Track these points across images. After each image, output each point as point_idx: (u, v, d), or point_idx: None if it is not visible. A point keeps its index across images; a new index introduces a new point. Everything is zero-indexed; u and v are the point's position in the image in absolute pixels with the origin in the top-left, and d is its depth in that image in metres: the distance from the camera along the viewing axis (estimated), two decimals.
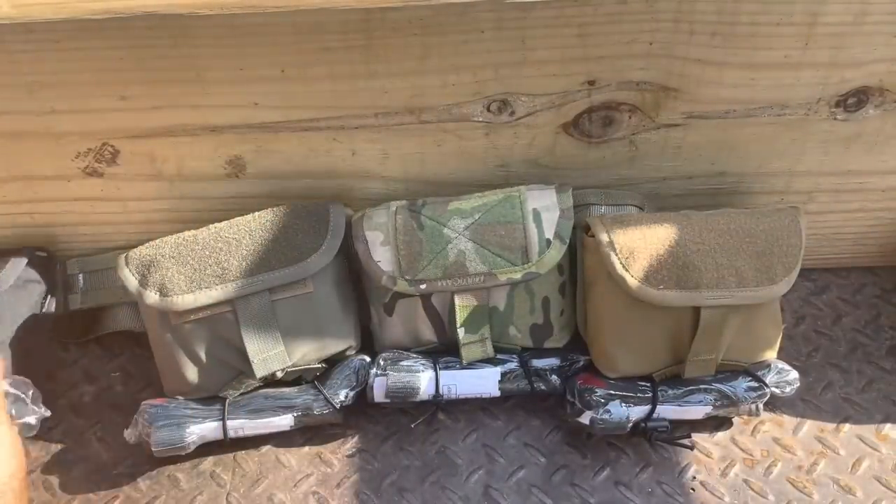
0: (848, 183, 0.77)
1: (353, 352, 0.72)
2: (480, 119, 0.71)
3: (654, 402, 0.68)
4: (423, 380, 0.70)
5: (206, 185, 0.75)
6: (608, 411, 0.67)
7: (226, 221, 0.70)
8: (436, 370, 0.70)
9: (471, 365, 0.71)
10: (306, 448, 0.72)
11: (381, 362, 0.70)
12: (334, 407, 0.69)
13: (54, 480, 0.70)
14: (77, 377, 0.78)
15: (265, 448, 0.72)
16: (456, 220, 0.70)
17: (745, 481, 0.68)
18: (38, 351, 0.75)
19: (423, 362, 0.70)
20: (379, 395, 0.70)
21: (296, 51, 0.65)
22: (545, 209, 0.70)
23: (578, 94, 0.69)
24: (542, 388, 0.71)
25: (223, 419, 0.68)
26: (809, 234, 0.72)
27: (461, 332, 0.70)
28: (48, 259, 0.77)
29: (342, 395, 0.70)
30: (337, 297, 0.71)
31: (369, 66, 0.66)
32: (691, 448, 0.70)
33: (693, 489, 0.68)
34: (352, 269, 0.74)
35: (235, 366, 0.69)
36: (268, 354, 0.68)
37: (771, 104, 0.70)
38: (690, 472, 0.69)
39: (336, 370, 0.71)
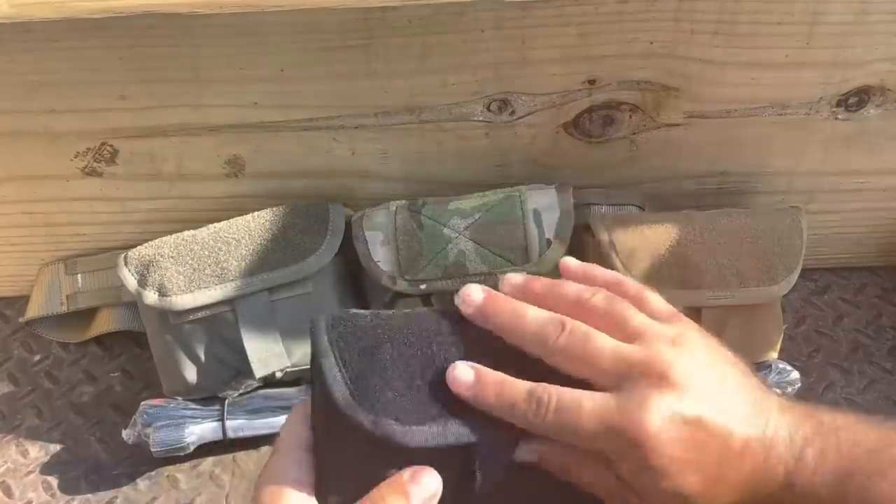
0: (849, 182, 0.77)
1: None
2: (480, 119, 0.71)
3: None
4: None
5: (206, 184, 0.75)
6: None
7: (225, 221, 0.70)
8: None
9: None
10: None
11: None
12: None
13: (53, 480, 0.70)
14: (77, 377, 0.78)
15: (265, 448, 0.71)
16: (456, 220, 0.70)
17: None
18: None
19: None
20: None
21: (296, 50, 0.65)
22: (545, 209, 0.70)
23: (579, 93, 0.69)
24: None
25: (223, 419, 0.68)
26: (810, 233, 0.72)
27: None
28: None
29: None
30: (336, 298, 0.71)
31: (369, 65, 0.66)
32: None
33: None
34: (351, 269, 0.74)
35: (235, 366, 0.69)
36: (267, 354, 0.68)
37: (772, 104, 0.70)
38: None
39: None
